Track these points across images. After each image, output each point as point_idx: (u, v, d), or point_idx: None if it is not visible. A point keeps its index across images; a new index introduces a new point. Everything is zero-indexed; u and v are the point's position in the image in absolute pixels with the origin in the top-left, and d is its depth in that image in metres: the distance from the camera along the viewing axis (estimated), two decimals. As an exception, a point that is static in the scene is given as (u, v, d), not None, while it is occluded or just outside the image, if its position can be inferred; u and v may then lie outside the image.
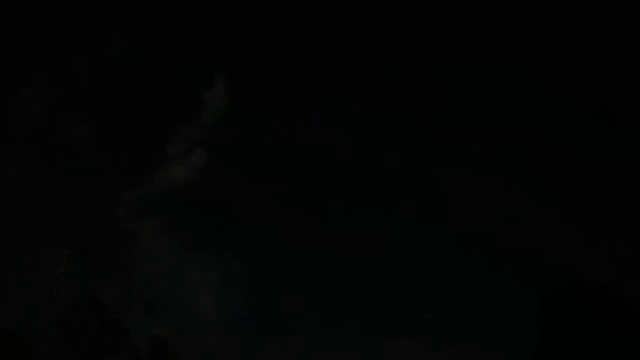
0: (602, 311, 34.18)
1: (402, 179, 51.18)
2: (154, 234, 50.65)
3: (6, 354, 38.21)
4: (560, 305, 35.20)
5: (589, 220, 46.27)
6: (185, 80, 53.47)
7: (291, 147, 53.17)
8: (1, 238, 46.50)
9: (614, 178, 46.56)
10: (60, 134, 50.57)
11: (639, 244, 42.37)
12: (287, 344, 46.08)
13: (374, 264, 49.27)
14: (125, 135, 52.59)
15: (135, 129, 52.65)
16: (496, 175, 49.63)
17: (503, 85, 51.00)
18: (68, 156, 50.71)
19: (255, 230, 51.08)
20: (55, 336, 40.14)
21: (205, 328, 47.57)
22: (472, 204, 49.48)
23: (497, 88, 51.38)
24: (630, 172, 45.43)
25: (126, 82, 52.65)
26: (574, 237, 45.38)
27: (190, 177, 52.44)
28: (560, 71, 49.68)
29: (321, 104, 53.33)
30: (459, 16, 52.30)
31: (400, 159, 51.66)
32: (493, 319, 44.64)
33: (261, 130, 53.74)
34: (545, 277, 42.20)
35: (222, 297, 49.27)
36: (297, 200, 51.80)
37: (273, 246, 50.07)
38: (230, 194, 52.20)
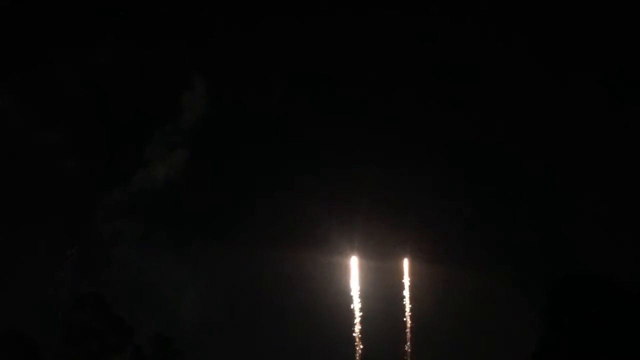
0: (606, 302, 34.45)
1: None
2: (136, 235, 50.04)
3: (13, 352, 38.23)
4: (565, 297, 35.52)
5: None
6: (165, 82, 53.05)
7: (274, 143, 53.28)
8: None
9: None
10: (38, 138, 49.77)
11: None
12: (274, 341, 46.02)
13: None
14: (103, 137, 51.91)
15: (114, 131, 52.12)
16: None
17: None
18: (46, 160, 49.87)
19: (240, 228, 50.87)
20: (60, 335, 40.11)
21: (189, 328, 47.44)
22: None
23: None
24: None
25: (106, 84, 52.22)
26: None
27: (172, 177, 51.97)
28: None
29: (304, 100, 53.43)
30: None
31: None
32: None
33: (243, 128, 53.59)
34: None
35: (207, 297, 49.12)
36: (284, 198, 51.56)
37: (259, 245, 49.70)
38: (213, 192, 51.89)
